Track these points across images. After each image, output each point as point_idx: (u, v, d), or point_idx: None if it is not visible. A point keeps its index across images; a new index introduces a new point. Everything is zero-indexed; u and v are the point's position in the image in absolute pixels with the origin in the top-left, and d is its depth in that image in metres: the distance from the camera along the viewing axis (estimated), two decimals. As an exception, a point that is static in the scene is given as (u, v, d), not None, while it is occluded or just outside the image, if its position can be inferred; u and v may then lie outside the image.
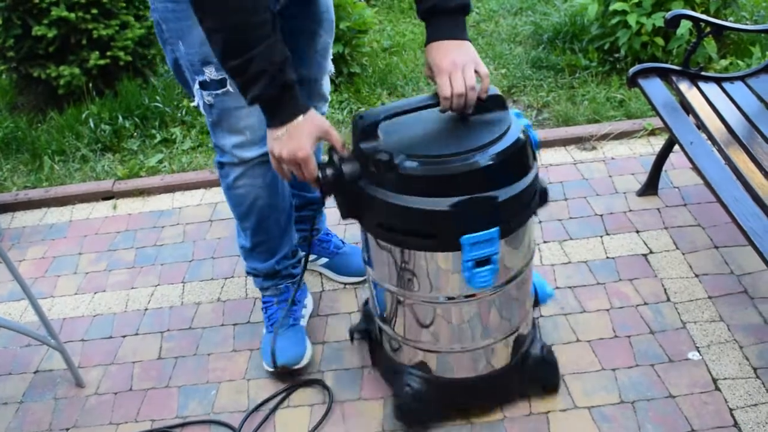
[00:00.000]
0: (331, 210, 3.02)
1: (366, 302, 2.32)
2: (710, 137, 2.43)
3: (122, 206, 3.33)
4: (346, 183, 1.83)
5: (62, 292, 2.85)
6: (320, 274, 2.74)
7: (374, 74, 4.10)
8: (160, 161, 3.58)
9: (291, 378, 2.35)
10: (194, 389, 2.37)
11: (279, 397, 2.28)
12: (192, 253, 2.98)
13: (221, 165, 2.22)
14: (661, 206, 2.89)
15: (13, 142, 3.85)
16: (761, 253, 1.96)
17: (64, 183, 3.51)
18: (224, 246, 2.98)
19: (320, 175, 1.82)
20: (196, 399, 2.33)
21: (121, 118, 3.86)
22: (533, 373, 2.16)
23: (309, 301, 2.57)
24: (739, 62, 3.76)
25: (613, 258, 2.67)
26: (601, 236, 2.78)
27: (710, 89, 2.64)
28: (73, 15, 3.83)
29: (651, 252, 2.68)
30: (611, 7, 3.81)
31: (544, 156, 3.27)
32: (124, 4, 4.08)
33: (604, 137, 3.35)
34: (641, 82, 2.71)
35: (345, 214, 1.92)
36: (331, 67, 2.41)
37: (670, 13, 2.66)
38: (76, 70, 3.95)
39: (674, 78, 2.70)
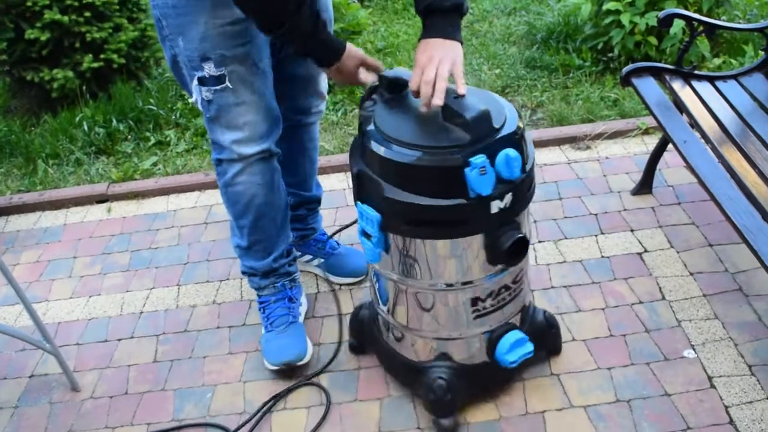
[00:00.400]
0: (326, 210, 3.03)
1: (356, 312, 2.35)
2: (704, 136, 2.43)
3: (117, 209, 3.33)
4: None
5: (57, 295, 2.85)
6: (315, 275, 2.74)
7: (368, 75, 4.09)
8: (155, 164, 3.58)
9: (290, 378, 2.35)
10: (190, 392, 2.37)
11: (275, 399, 2.28)
12: (187, 255, 2.97)
13: (219, 162, 2.23)
14: (656, 205, 2.90)
15: (7, 145, 3.84)
16: (755, 250, 1.96)
17: (58, 186, 3.51)
18: (219, 248, 2.97)
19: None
20: (192, 402, 2.33)
21: (115, 121, 3.85)
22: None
23: (304, 300, 2.57)
24: (732, 61, 3.77)
25: (608, 257, 2.68)
26: (596, 235, 2.79)
27: (703, 88, 2.64)
28: (66, 18, 3.83)
29: (646, 251, 2.68)
30: (604, 7, 3.82)
31: (539, 156, 3.28)
32: (117, 7, 4.07)
33: (599, 137, 3.35)
34: (635, 81, 2.71)
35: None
36: None
37: (663, 12, 2.66)
38: (70, 73, 3.95)
39: (667, 77, 2.71)
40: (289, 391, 2.31)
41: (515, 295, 2.07)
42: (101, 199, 3.39)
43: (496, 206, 1.81)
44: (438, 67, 1.83)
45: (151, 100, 3.96)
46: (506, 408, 2.18)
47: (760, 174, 2.20)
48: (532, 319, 2.21)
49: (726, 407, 2.10)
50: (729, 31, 3.96)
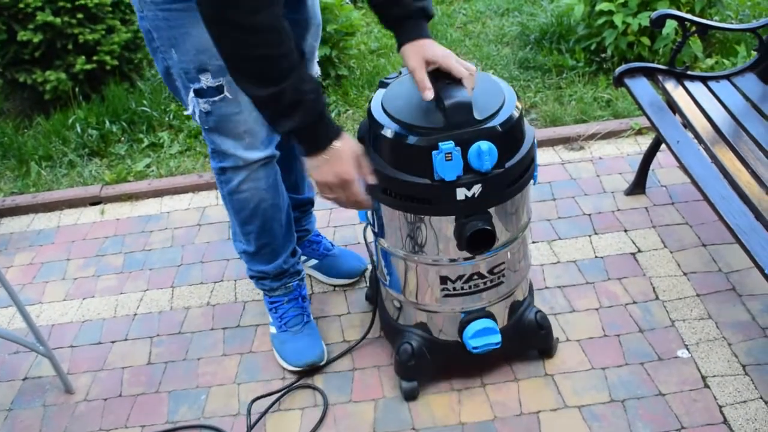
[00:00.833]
0: (320, 212, 3.02)
1: (373, 270, 2.38)
2: (697, 136, 2.44)
3: (110, 211, 3.32)
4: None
5: (50, 298, 2.84)
6: (309, 276, 2.74)
7: (362, 76, 4.10)
8: (148, 166, 3.57)
9: (283, 379, 2.35)
10: (184, 394, 2.36)
11: (271, 400, 2.28)
12: (181, 257, 2.97)
13: (223, 170, 2.18)
14: (649, 205, 2.90)
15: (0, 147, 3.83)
16: (748, 250, 1.96)
17: (51, 188, 3.50)
18: (213, 250, 2.97)
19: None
20: (186, 404, 2.33)
21: (108, 123, 3.84)
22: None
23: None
24: (725, 61, 3.78)
25: (601, 257, 2.68)
26: (590, 236, 2.79)
27: (696, 88, 2.65)
28: (58, 20, 3.81)
29: (639, 251, 2.69)
30: (597, 8, 3.82)
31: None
32: (110, 9, 4.05)
33: (592, 137, 3.36)
34: (628, 81, 2.71)
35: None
36: (317, 69, 2.41)
37: (655, 12, 2.67)
38: (63, 75, 3.93)
39: (660, 77, 2.71)
40: (286, 391, 2.31)
41: (492, 285, 2.10)
42: (94, 201, 3.38)
43: (462, 193, 1.86)
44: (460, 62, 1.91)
45: (145, 102, 3.96)
46: (501, 408, 2.18)
47: (753, 174, 2.21)
48: (521, 316, 2.23)
49: (720, 407, 2.11)
50: (721, 32, 3.97)
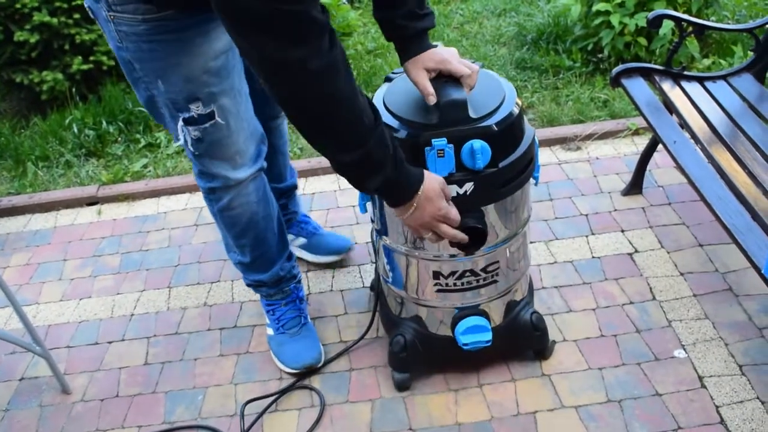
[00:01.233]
0: (317, 213, 3.03)
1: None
2: (693, 136, 2.44)
3: (107, 212, 3.32)
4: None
5: (47, 298, 2.83)
6: (305, 277, 2.74)
7: (359, 77, 4.10)
8: (145, 166, 3.57)
9: (280, 380, 2.35)
10: (181, 394, 2.36)
11: (268, 401, 2.28)
12: (178, 257, 2.96)
13: (212, 190, 2.16)
14: (646, 205, 2.91)
15: (-4, 148, 3.83)
16: (745, 250, 1.97)
17: (48, 189, 3.49)
18: (210, 250, 2.97)
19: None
20: (183, 404, 2.33)
21: (104, 123, 3.84)
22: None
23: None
24: (722, 61, 3.79)
25: (598, 257, 2.68)
26: (587, 236, 2.79)
27: (693, 88, 2.65)
28: (55, 20, 3.81)
29: (636, 251, 2.69)
30: (594, 8, 3.83)
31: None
32: (106, 9, 4.05)
33: (589, 137, 3.36)
34: (624, 82, 2.72)
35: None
36: None
37: (652, 13, 2.67)
38: (59, 76, 3.93)
39: (657, 78, 2.72)
40: (283, 392, 2.30)
41: (486, 283, 2.10)
42: (91, 201, 3.38)
43: (453, 190, 1.87)
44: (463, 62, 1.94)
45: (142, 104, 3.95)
46: (498, 408, 2.18)
47: (750, 174, 2.21)
48: (517, 316, 2.23)
49: (717, 407, 2.11)
50: (718, 32, 3.97)
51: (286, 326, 2.40)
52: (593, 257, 2.69)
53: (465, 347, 2.14)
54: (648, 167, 2.95)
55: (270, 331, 2.45)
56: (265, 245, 2.31)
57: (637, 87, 2.69)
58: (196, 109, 1.95)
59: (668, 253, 2.66)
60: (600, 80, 3.79)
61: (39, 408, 2.37)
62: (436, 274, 2.08)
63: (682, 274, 2.56)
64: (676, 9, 3.68)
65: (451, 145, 1.82)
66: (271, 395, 2.30)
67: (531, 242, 2.75)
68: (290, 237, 2.72)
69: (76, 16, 3.87)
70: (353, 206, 3.09)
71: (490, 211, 1.96)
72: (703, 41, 3.96)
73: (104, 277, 2.91)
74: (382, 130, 1.67)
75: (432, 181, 1.78)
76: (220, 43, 1.89)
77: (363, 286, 2.68)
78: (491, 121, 1.87)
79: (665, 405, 2.13)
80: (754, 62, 2.72)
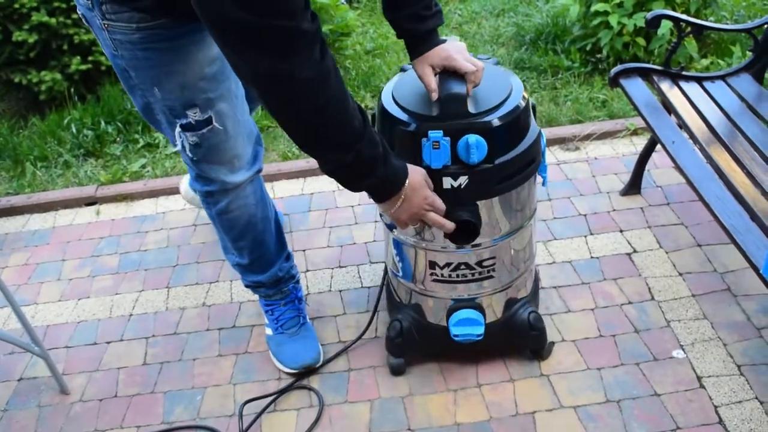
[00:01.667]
0: (316, 213, 3.03)
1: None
2: (692, 136, 2.44)
3: (105, 212, 3.31)
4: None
5: (46, 298, 2.83)
6: (304, 277, 2.74)
7: (358, 77, 4.10)
8: (143, 166, 3.57)
9: (279, 380, 2.34)
10: (180, 395, 2.36)
11: (267, 401, 2.28)
12: (176, 257, 2.96)
13: (210, 194, 2.16)
14: (645, 205, 2.91)
15: (-5, 148, 3.83)
16: (743, 250, 1.97)
17: (47, 189, 3.49)
18: (208, 250, 2.97)
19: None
20: (182, 404, 2.32)
21: (103, 123, 3.84)
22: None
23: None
24: (720, 62, 3.79)
25: (597, 258, 2.69)
26: (586, 236, 2.80)
27: (691, 89, 2.66)
28: (53, 20, 3.81)
29: (635, 251, 2.69)
30: (593, 8, 3.83)
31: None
32: (105, 9, 4.05)
33: (587, 137, 3.36)
34: (623, 82, 2.72)
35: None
36: None
37: (650, 13, 2.67)
38: (58, 76, 3.93)
39: (656, 78, 2.72)
40: (282, 392, 2.30)
41: (481, 277, 2.11)
42: (90, 201, 3.38)
43: (448, 183, 1.90)
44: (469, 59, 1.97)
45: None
46: (496, 408, 2.18)
47: (748, 174, 2.21)
48: (515, 314, 2.23)
49: (715, 407, 2.11)
50: (716, 32, 3.98)
51: (284, 326, 2.40)
52: (592, 257, 2.69)
53: (456, 338, 2.16)
54: (646, 167, 2.95)
55: (269, 331, 2.45)
56: (264, 247, 2.31)
57: (636, 87, 2.69)
58: (194, 116, 1.95)
59: (667, 253, 2.66)
60: (598, 80, 3.80)
61: (37, 408, 2.37)
62: (432, 264, 2.10)
63: (680, 275, 2.56)
64: (674, 9, 3.68)
65: (447, 138, 1.84)
66: (270, 395, 2.30)
67: (530, 242, 2.76)
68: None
69: (75, 16, 3.87)
70: (352, 206, 3.09)
71: (485, 207, 1.97)
72: (702, 41, 3.96)
73: (103, 278, 2.91)
74: (371, 129, 1.71)
75: (415, 172, 1.83)
76: (214, 49, 1.88)
77: (362, 286, 2.68)
78: (490, 117, 1.88)
79: (664, 405, 2.13)
80: (753, 62, 2.72)
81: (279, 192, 3.25)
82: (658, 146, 2.64)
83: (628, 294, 2.51)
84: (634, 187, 2.97)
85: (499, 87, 1.98)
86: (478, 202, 1.96)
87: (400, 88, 2.04)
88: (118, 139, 3.81)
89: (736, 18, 4.22)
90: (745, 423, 2.05)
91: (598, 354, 2.31)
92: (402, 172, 1.80)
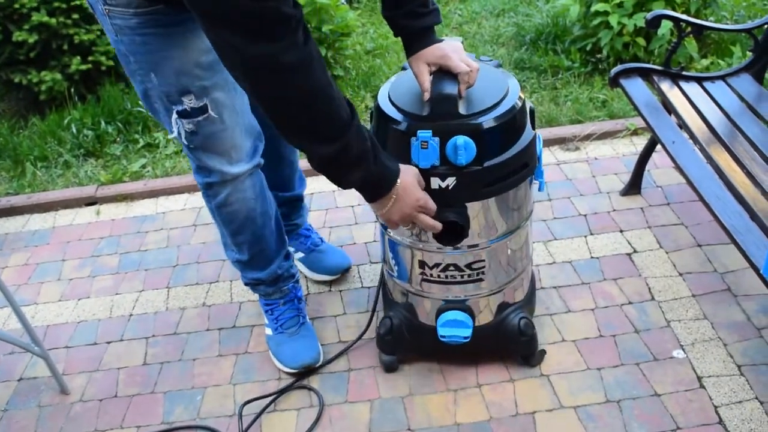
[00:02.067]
0: (315, 213, 3.03)
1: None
2: (692, 136, 2.44)
3: (105, 212, 3.31)
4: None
5: (46, 298, 2.83)
6: (304, 276, 2.74)
7: (358, 77, 4.10)
8: (144, 166, 3.57)
9: (279, 380, 2.34)
10: (180, 395, 2.36)
11: (267, 401, 2.28)
12: (176, 257, 2.96)
13: (209, 185, 2.17)
14: (645, 205, 2.91)
15: (-5, 148, 3.83)
16: (743, 250, 1.97)
17: (47, 189, 3.49)
18: (209, 250, 2.97)
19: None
20: (182, 404, 2.32)
21: (103, 123, 3.84)
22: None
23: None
24: (720, 62, 3.79)
25: (597, 258, 2.68)
26: (586, 236, 2.79)
27: (691, 89, 2.65)
28: (54, 20, 3.81)
29: (635, 251, 2.69)
30: (593, 8, 3.83)
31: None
32: (105, 9, 4.05)
33: (587, 137, 3.36)
34: (623, 82, 2.72)
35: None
36: None
37: (650, 13, 2.67)
38: (58, 76, 3.93)
39: (656, 78, 2.72)
40: (282, 392, 2.30)
41: (470, 280, 2.11)
42: (90, 201, 3.38)
43: (436, 183, 1.90)
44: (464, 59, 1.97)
45: (140, 103, 3.95)
46: (496, 408, 2.18)
47: (748, 174, 2.21)
48: (505, 319, 2.22)
49: (715, 407, 2.11)
50: (717, 32, 3.98)
51: (284, 326, 2.40)
52: (592, 257, 2.69)
53: (443, 339, 2.16)
54: (647, 167, 2.95)
55: (269, 331, 2.45)
56: (263, 242, 2.31)
57: (636, 87, 2.69)
58: (189, 102, 1.97)
59: (667, 253, 2.66)
60: (599, 80, 3.80)
61: (37, 408, 2.37)
62: (421, 264, 2.10)
63: (680, 275, 2.56)
64: (674, 9, 3.68)
65: (436, 138, 1.84)
66: (270, 395, 2.30)
67: (530, 242, 2.76)
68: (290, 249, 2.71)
69: (75, 16, 3.88)
70: (352, 206, 3.09)
71: (473, 209, 1.97)
72: (702, 41, 3.96)
73: (103, 278, 2.91)
74: (359, 124, 1.71)
75: (407, 172, 1.84)
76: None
77: (362, 287, 2.68)
78: (480, 119, 1.88)
79: (664, 405, 2.13)
80: (753, 62, 2.72)
81: (279, 192, 3.25)
82: (658, 146, 2.64)
83: (628, 294, 2.51)
84: (634, 187, 2.97)
85: (494, 89, 1.98)
86: (467, 204, 1.95)
87: (396, 87, 2.05)
88: (118, 139, 3.81)
89: (736, 18, 4.23)
90: (745, 423, 2.05)
91: (598, 354, 2.31)
92: (393, 172, 1.81)
